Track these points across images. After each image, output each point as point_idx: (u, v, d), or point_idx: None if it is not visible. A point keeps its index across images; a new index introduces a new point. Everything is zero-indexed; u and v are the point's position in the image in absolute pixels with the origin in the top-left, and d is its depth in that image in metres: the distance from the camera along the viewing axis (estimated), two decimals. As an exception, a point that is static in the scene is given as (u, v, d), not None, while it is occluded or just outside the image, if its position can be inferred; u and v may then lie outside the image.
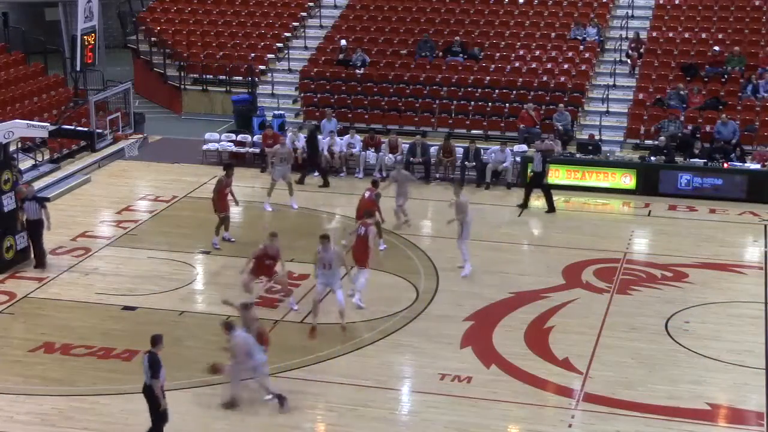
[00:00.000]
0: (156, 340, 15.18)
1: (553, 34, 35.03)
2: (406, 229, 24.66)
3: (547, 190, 26.62)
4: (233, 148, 30.71)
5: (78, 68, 32.46)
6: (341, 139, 29.83)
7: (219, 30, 37.45)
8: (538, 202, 27.37)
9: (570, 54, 34.05)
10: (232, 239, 23.64)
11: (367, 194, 23.17)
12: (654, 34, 34.69)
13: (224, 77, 35.29)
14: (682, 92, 31.53)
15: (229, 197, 23.80)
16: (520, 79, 33.12)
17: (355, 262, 20.45)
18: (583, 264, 22.76)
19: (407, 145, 29.34)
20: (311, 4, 38.43)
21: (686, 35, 34.41)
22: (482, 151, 28.83)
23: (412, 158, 28.95)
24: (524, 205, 26.62)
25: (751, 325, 19.88)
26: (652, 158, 28.32)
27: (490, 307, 20.48)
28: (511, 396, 16.98)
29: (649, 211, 26.61)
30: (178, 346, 18.31)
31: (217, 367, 16.48)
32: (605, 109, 32.01)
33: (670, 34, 34.53)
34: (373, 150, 29.60)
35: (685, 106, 31.24)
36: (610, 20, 36.01)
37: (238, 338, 16.17)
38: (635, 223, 26.01)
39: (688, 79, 32.31)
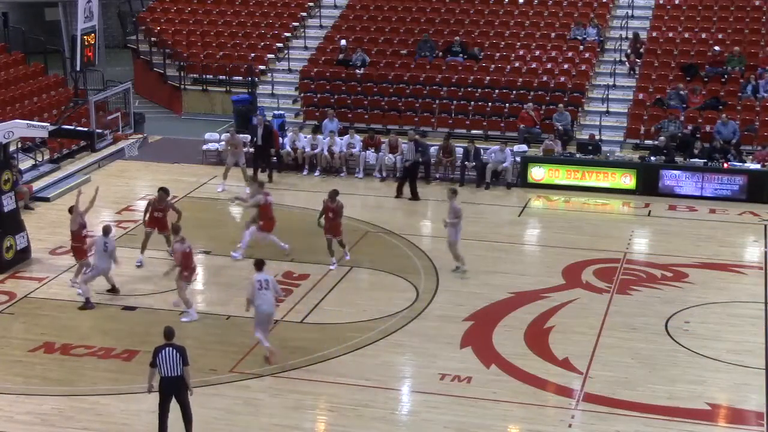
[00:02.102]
0: (173, 333, 15.31)
1: (553, 34, 35.02)
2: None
3: (413, 180, 27.44)
4: (233, 147, 30.68)
5: (78, 68, 32.44)
6: (341, 139, 29.82)
7: (219, 30, 37.45)
8: (537, 201, 27.39)
9: (570, 54, 34.04)
10: (140, 263, 22.40)
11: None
12: (654, 34, 34.68)
13: (224, 77, 35.29)
14: (682, 92, 31.52)
15: (168, 217, 22.37)
16: (520, 79, 33.11)
17: (263, 228, 22.69)
18: (583, 264, 22.75)
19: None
20: (311, 4, 38.42)
21: (686, 35, 34.39)
22: (482, 151, 28.82)
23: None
24: (401, 194, 27.42)
25: (751, 325, 19.87)
26: (652, 158, 28.32)
27: (490, 307, 20.48)
28: (511, 396, 16.97)
29: (649, 211, 26.60)
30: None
31: None
32: (605, 109, 32.00)
33: (670, 34, 34.52)
34: (373, 150, 29.60)
35: (685, 106, 31.23)
36: (610, 20, 36.01)
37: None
38: (635, 223, 25.99)
39: (688, 79, 32.30)
